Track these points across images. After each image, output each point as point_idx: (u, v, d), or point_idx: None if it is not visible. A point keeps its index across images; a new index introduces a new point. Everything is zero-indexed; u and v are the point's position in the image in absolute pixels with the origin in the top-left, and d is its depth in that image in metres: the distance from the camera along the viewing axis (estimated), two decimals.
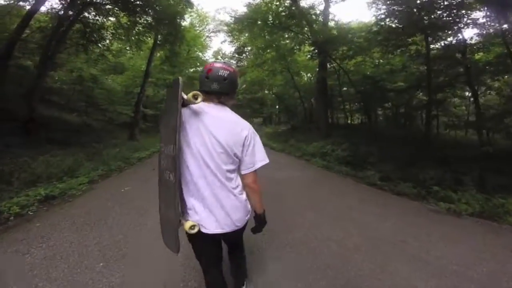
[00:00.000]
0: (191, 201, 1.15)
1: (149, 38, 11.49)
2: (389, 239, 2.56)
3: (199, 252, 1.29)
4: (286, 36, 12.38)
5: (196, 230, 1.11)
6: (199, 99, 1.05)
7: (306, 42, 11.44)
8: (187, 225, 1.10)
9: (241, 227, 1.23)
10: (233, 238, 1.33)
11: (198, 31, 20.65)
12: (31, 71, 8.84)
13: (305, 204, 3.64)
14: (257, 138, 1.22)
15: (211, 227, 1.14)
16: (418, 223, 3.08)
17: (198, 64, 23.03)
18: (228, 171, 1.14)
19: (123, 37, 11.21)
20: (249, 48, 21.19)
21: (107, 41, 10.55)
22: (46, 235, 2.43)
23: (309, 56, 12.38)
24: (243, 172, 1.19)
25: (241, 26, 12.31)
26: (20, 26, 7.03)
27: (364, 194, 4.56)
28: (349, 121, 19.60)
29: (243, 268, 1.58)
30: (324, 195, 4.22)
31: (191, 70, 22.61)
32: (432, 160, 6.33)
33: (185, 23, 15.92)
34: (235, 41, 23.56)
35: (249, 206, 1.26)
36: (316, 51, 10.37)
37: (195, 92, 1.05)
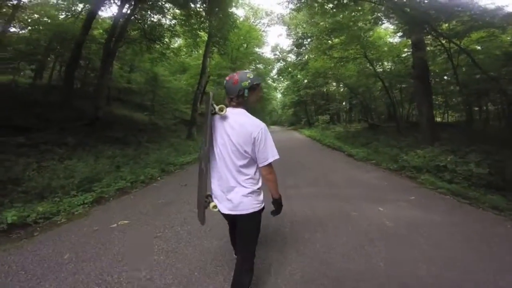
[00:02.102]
0: (214, 187, 1.46)
1: (203, 32, 10.86)
2: None
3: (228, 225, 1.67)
4: (359, 11, 9.36)
5: (216, 209, 1.43)
6: (224, 111, 1.34)
7: (388, 17, 8.31)
8: (211, 205, 1.43)
9: (245, 214, 1.36)
10: (241, 225, 1.45)
11: (253, 25, 19.66)
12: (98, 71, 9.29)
13: None
14: (269, 136, 1.35)
15: (223, 208, 1.41)
16: None
17: (257, 61, 22.03)
18: (240, 165, 1.35)
19: (180, 34, 10.98)
20: (308, 40, 18.42)
21: (166, 39, 10.40)
22: None
23: (399, 35, 9.15)
24: (259, 166, 1.37)
25: (297, 4, 10.05)
26: (83, 28, 7.20)
27: None
28: (439, 119, 14.47)
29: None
30: None
31: (251, 67, 21.78)
32: None
33: (239, 14, 15.11)
34: (292, 33, 21.26)
35: (259, 198, 1.41)
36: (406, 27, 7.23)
37: (221, 106, 1.34)
